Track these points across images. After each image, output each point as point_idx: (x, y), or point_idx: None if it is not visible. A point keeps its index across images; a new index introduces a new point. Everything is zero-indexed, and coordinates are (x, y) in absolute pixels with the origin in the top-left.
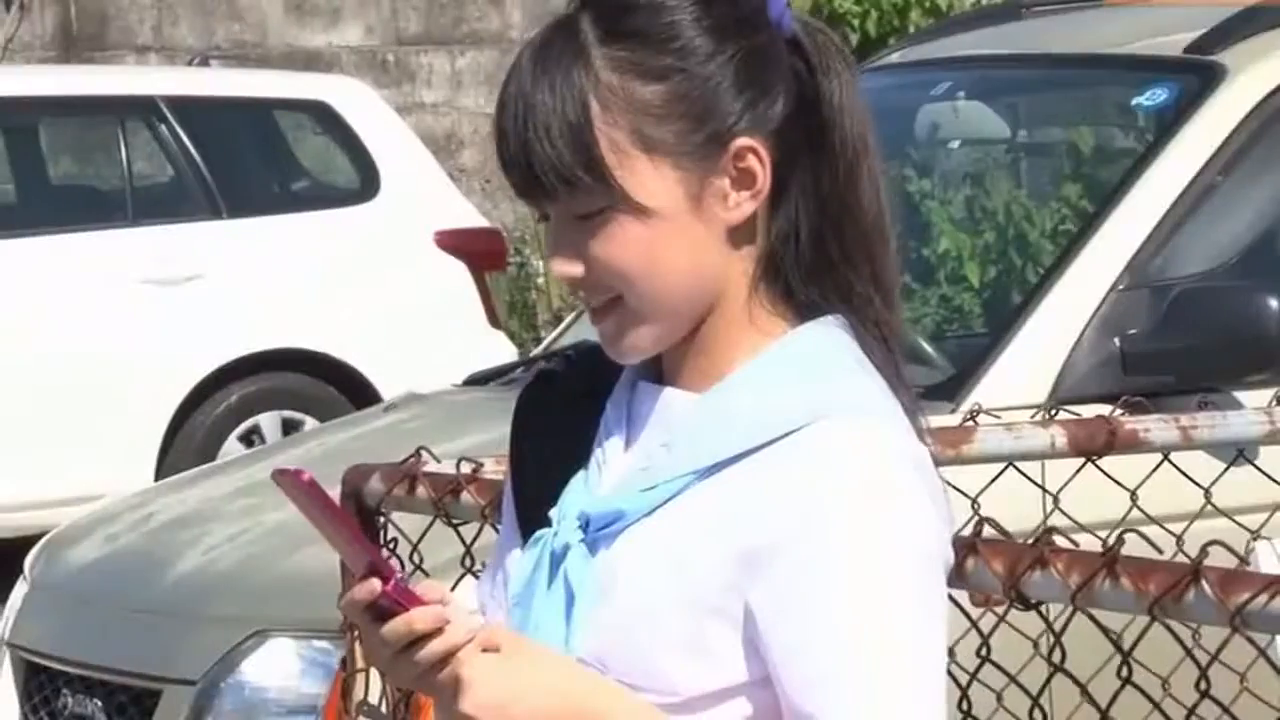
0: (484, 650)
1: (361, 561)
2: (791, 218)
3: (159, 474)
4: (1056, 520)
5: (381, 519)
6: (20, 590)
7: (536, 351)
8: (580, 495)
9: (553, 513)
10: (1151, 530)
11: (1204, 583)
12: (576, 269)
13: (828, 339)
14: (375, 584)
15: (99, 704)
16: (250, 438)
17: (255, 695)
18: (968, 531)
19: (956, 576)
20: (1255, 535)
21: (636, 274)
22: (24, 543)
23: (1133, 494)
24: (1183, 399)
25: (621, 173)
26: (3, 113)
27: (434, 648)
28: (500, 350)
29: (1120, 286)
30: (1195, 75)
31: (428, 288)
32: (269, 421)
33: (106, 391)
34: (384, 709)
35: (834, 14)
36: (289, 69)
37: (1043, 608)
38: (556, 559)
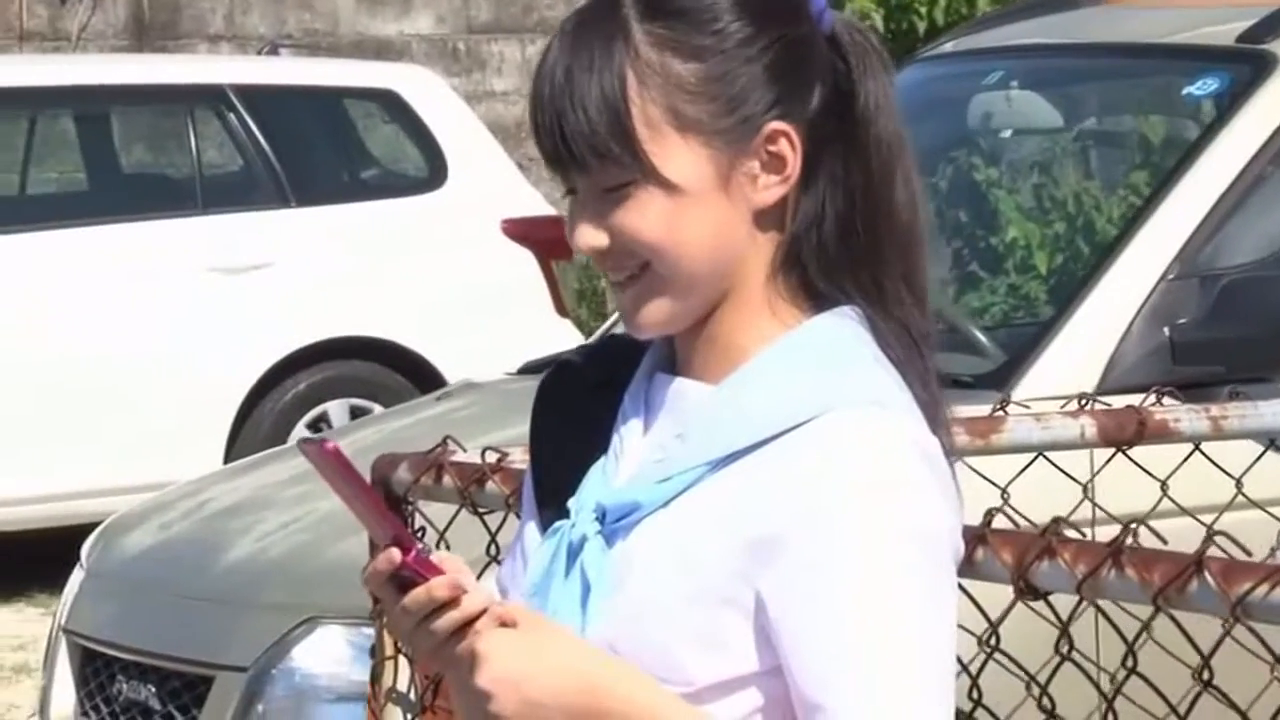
0: (501, 625)
1: (384, 533)
2: (818, 208)
3: (227, 461)
4: (1086, 510)
5: (409, 507)
6: (77, 577)
7: (594, 339)
8: (598, 486)
9: (571, 503)
10: (1183, 521)
11: (1206, 573)
12: (602, 240)
13: (842, 330)
14: (395, 554)
15: (153, 690)
16: (318, 425)
17: (306, 682)
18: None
19: (966, 566)
20: None
21: (660, 247)
22: (89, 530)
23: (1163, 484)
24: (1221, 389)
25: (652, 147)
26: (75, 101)
27: (451, 616)
28: (567, 338)
29: (1170, 276)
30: (1247, 64)
31: (495, 276)
32: (337, 409)
33: (176, 379)
34: (412, 696)
35: (901, 4)
36: (360, 58)
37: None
38: (574, 550)
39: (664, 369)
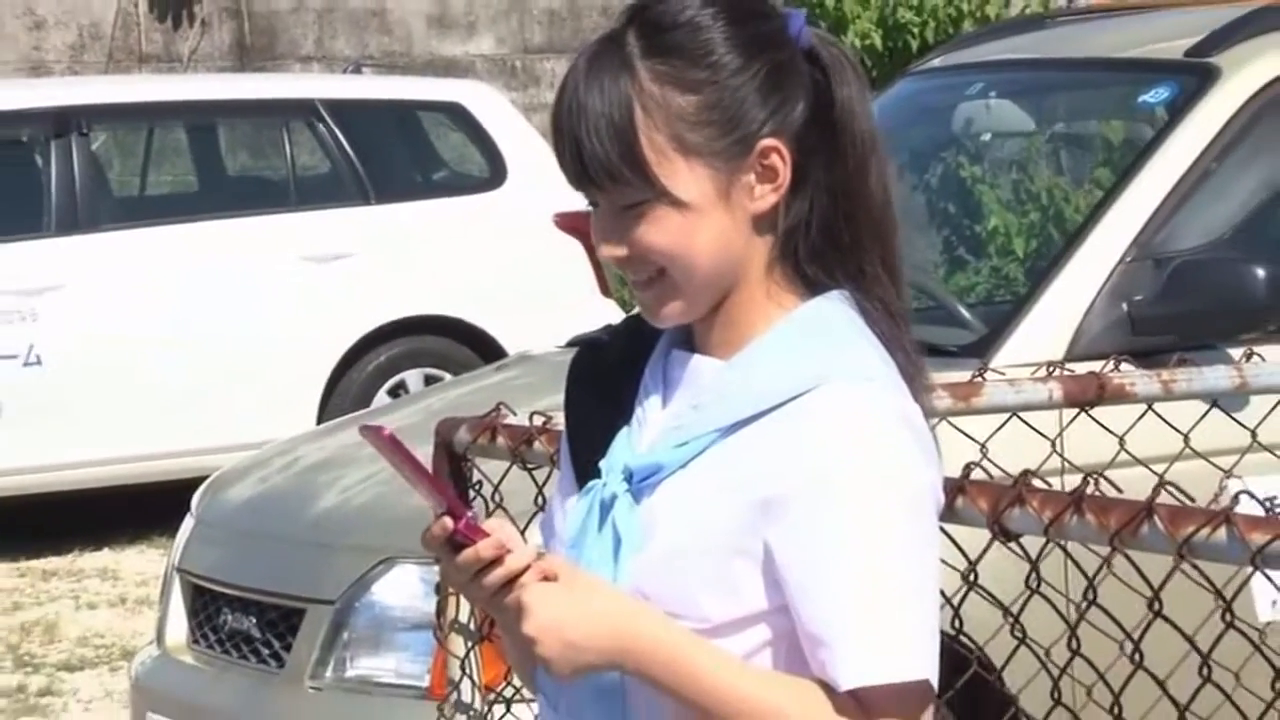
0: (544, 579)
1: (438, 502)
2: (807, 207)
3: (320, 423)
4: (1054, 463)
5: (467, 464)
6: (187, 524)
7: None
8: (624, 450)
9: (602, 464)
10: (1138, 471)
11: (1156, 518)
12: (621, 251)
13: (831, 312)
14: (448, 522)
15: (253, 621)
16: (397, 391)
17: (384, 614)
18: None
19: (948, 513)
20: (1227, 474)
21: (672, 256)
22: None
23: (1121, 439)
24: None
25: (660, 170)
26: (187, 114)
27: (497, 573)
28: (610, 315)
29: (1128, 259)
30: (1193, 75)
31: (548, 262)
32: (413, 378)
33: (275, 353)
34: (472, 627)
35: (897, 24)
36: (430, 75)
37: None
38: (605, 507)
39: (679, 347)
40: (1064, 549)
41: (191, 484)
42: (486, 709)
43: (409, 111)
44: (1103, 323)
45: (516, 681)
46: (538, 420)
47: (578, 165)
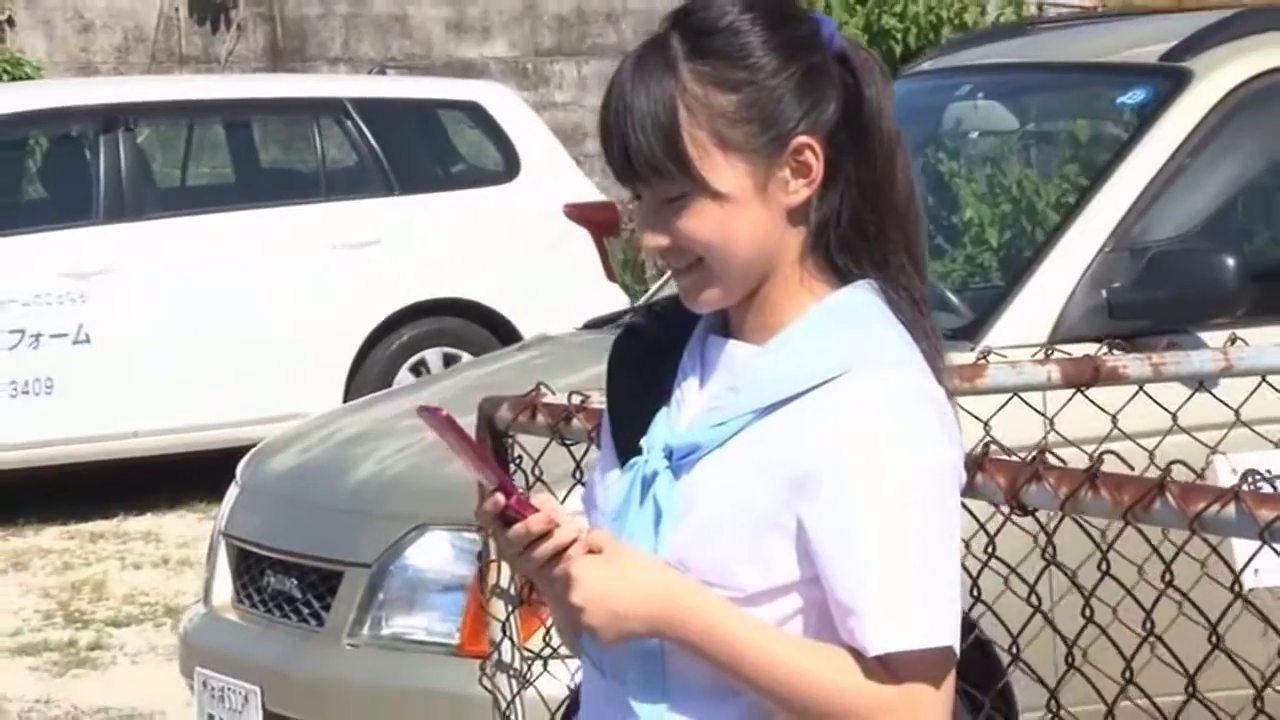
0: (589, 552)
1: (490, 479)
2: (837, 201)
3: (346, 397)
4: (1051, 439)
5: (509, 440)
6: (232, 492)
7: (640, 302)
8: (664, 430)
9: (643, 442)
10: (1127, 445)
11: (1168, 495)
12: (664, 240)
13: (860, 300)
14: (500, 498)
15: (294, 582)
16: (418, 369)
17: (417, 576)
18: (979, 450)
19: (967, 489)
20: (1213, 450)
21: (711, 245)
22: (238, 452)
23: (1114, 418)
24: (1158, 339)
25: (702, 165)
26: (224, 112)
27: (546, 546)
28: (615, 299)
29: (1107, 249)
30: (1168, 79)
31: (558, 249)
32: (433, 356)
33: (305, 333)
34: (513, 591)
35: (881, 30)
36: (449, 76)
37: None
38: (647, 482)
39: (715, 332)
40: (1079, 523)
41: (227, 453)
42: (526, 668)
43: (430, 110)
44: (1083, 308)
45: (555, 641)
46: (575, 399)
47: (624, 161)
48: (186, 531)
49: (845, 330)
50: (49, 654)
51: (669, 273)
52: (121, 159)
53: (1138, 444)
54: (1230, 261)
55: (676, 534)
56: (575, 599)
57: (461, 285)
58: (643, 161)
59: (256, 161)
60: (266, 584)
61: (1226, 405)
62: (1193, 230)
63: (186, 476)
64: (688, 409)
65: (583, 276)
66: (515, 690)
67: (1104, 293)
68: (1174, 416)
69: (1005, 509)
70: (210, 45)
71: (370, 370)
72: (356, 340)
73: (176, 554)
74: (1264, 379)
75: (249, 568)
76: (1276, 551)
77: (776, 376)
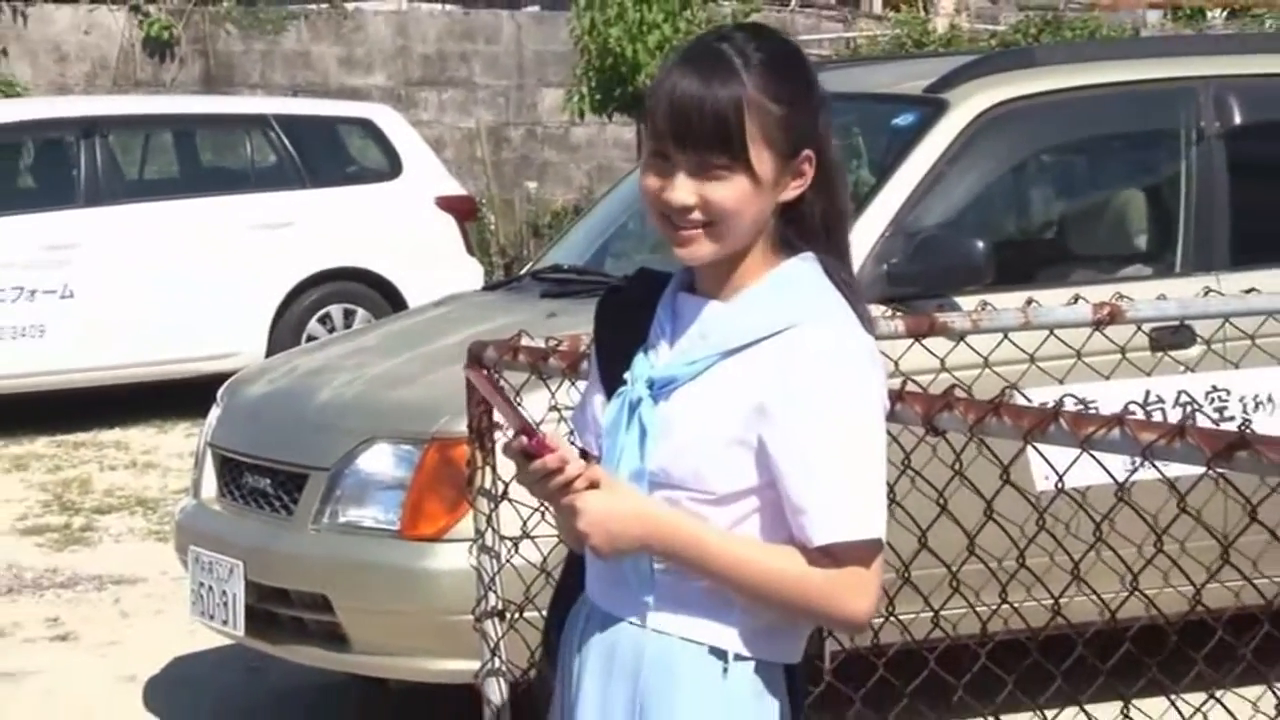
0: (591, 486)
1: (516, 423)
2: (808, 199)
3: (270, 340)
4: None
5: (497, 375)
6: (215, 410)
7: (526, 269)
8: (643, 366)
9: (626, 375)
10: (945, 377)
11: (1061, 420)
12: (690, 200)
13: (805, 269)
14: (524, 439)
15: (268, 482)
16: (325, 320)
17: (366, 478)
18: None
19: (890, 415)
20: (1011, 386)
21: (729, 213)
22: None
23: (942, 361)
24: (925, 302)
25: (753, 151)
26: (173, 123)
27: (557, 480)
28: (473, 269)
29: (887, 234)
30: (930, 106)
31: (430, 230)
32: (336, 310)
33: (238, 293)
34: (495, 492)
35: None
36: (342, 99)
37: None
38: (633, 407)
39: (685, 290)
40: (983, 443)
41: (180, 382)
42: (509, 553)
43: (332, 124)
44: (870, 278)
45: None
46: (551, 343)
47: (689, 132)
48: (148, 441)
49: (795, 292)
50: (50, 534)
51: (543, 251)
52: (96, 157)
53: (955, 378)
54: (980, 244)
55: (659, 450)
56: (580, 525)
57: (357, 257)
58: (710, 136)
59: (198, 161)
60: (245, 483)
61: (1023, 351)
62: (951, 220)
63: (148, 399)
64: (663, 352)
65: (448, 251)
66: (496, 569)
67: (884, 266)
68: (986, 360)
69: (920, 431)
70: (159, 72)
71: (288, 321)
72: (277, 298)
73: (142, 459)
74: (1052, 332)
75: (230, 470)
76: (1156, 467)
77: (740, 326)
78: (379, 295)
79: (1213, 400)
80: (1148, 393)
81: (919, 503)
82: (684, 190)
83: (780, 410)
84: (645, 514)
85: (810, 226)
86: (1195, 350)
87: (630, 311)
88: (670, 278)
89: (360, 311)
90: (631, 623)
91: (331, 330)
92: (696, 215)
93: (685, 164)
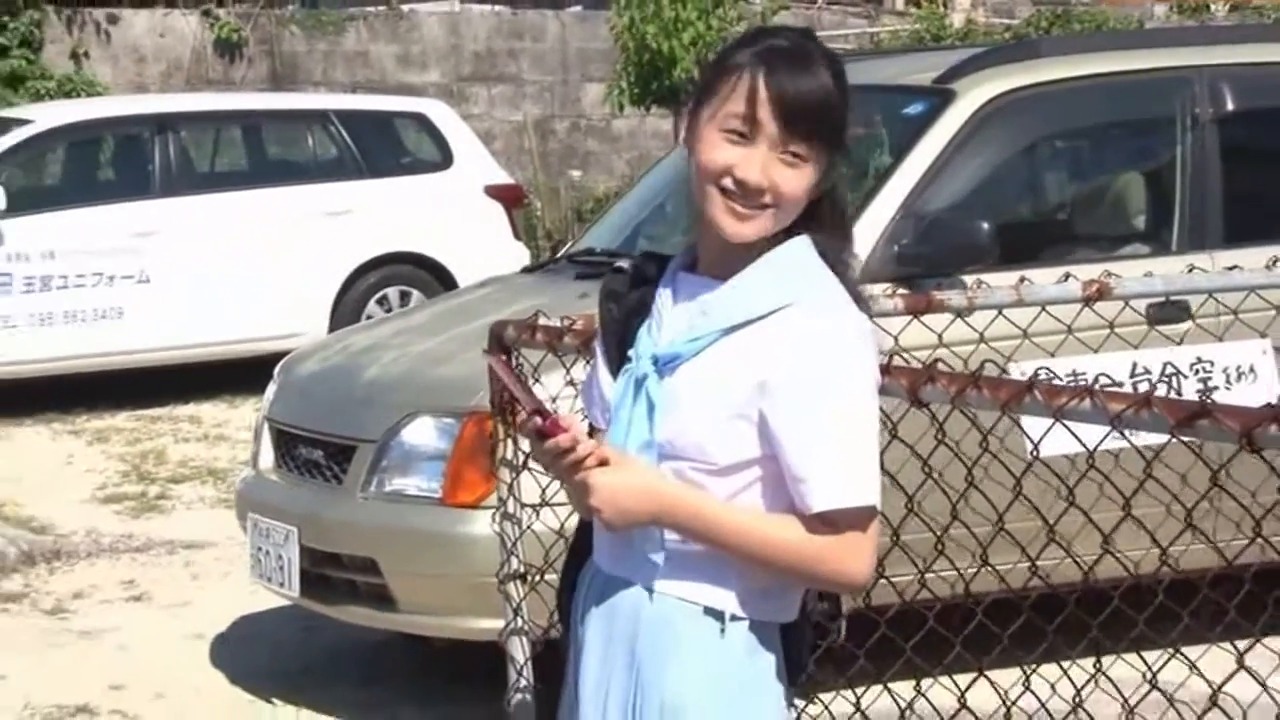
0: (601, 463)
1: (531, 404)
2: (829, 195)
3: (331, 320)
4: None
5: (515, 354)
6: (272, 386)
7: (563, 252)
8: (647, 343)
9: (631, 352)
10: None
11: (1036, 392)
12: (762, 181)
13: (802, 252)
14: (539, 419)
15: (320, 454)
16: (383, 301)
17: (410, 449)
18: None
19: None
20: (1008, 359)
21: (791, 200)
22: (269, 359)
23: (940, 336)
24: (930, 281)
25: (825, 145)
26: (242, 119)
27: (570, 458)
28: (521, 253)
29: (898, 217)
30: (939, 96)
31: (479, 216)
32: (393, 293)
33: (302, 276)
34: (516, 462)
35: (660, 53)
36: (399, 95)
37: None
38: (639, 383)
39: (686, 270)
40: (966, 414)
41: (249, 360)
42: (530, 519)
43: (389, 118)
44: (881, 258)
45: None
46: (566, 322)
47: (787, 118)
48: (219, 415)
49: (791, 272)
50: (127, 502)
51: (579, 235)
52: (170, 152)
53: (954, 353)
54: (985, 225)
55: (666, 422)
56: (592, 500)
57: (412, 242)
58: (810, 124)
59: (265, 154)
60: (299, 454)
61: (1017, 326)
62: (958, 203)
63: (219, 376)
64: (666, 329)
65: (497, 237)
66: (518, 534)
67: (895, 247)
68: (981, 335)
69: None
70: (228, 72)
71: (348, 302)
72: (338, 281)
73: (213, 431)
74: (1044, 309)
75: (286, 443)
76: (1124, 435)
77: (739, 305)
78: (433, 278)
79: (1197, 371)
80: (1134, 365)
81: (957, 472)
82: (760, 171)
83: (780, 387)
84: (653, 488)
85: (826, 213)
86: (1188, 325)
87: (634, 291)
88: (670, 259)
89: (415, 293)
90: (633, 584)
91: (389, 311)
92: (760, 199)
93: (765, 146)
